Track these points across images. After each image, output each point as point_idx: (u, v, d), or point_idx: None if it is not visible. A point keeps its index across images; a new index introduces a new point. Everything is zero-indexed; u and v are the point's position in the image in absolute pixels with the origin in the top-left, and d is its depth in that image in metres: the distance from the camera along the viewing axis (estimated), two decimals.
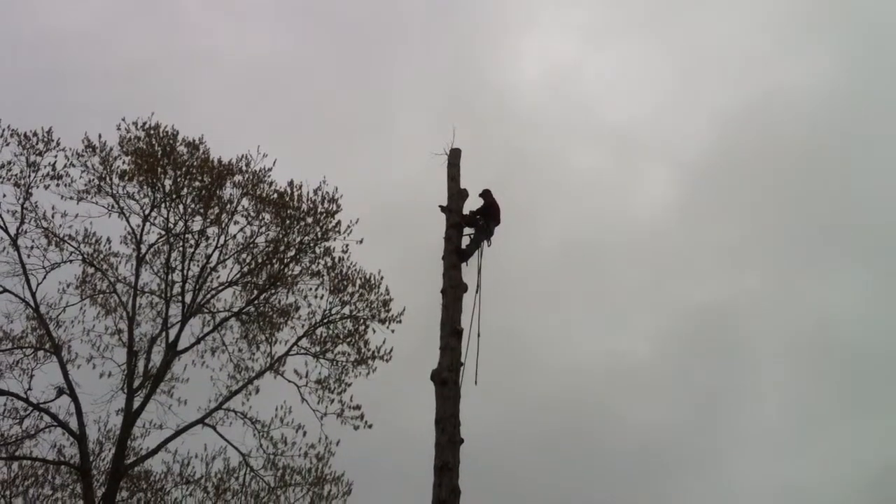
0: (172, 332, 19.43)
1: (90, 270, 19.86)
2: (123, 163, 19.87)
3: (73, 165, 19.60)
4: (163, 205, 19.96)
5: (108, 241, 19.75)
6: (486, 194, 15.50)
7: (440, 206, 15.01)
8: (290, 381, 19.51)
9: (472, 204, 15.38)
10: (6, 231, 19.02)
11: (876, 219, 41.03)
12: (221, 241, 20.04)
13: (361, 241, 20.17)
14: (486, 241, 15.16)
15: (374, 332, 19.80)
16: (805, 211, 43.05)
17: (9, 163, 19.07)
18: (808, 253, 41.81)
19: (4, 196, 18.98)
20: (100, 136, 19.81)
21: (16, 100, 19.12)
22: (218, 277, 20.06)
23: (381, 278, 20.10)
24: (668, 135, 48.82)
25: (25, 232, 19.20)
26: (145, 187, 19.86)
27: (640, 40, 54.29)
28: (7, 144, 19.07)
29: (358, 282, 20.01)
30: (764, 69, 50.14)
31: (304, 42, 49.59)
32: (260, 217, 20.22)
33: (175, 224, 20.04)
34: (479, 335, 14.27)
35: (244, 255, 20.15)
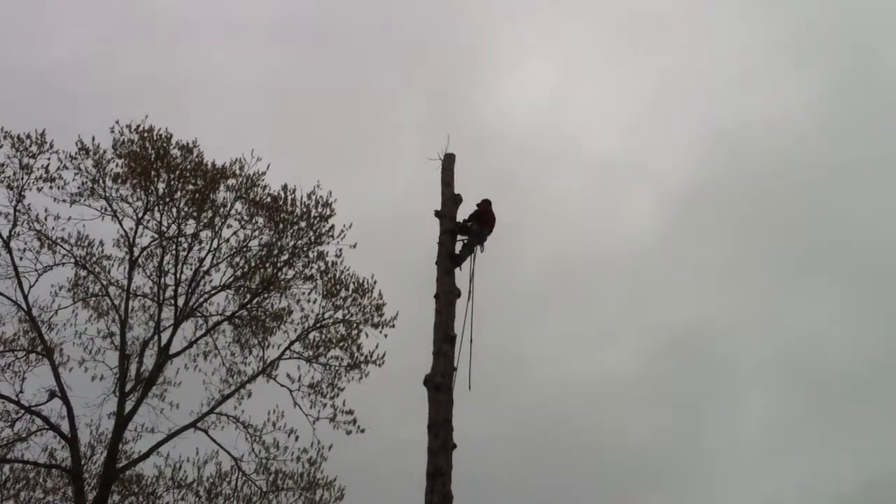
0: (165, 336, 19.43)
1: (83, 273, 19.83)
2: (117, 165, 19.87)
3: (67, 168, 19.61)
4: (156, 208, 19.94)
5: (101, 243, 19.75)
6: (483, 203, 15.52)
7: (435, 211, 15.03)
8: (282, 386, 19.55)
9: (467, 209, 15.40)
10: None
11: (850, 243, 42.76)
12: (215, 244, 20.06)
13: (355, 246, 20.19)
14: (479, 247, 15.17)
15: (367, 336, 19.84)
16: (783, 236, 44.58)
17: (2, 165, 19.09)
18: (785, 275, 43.30)
19: None
20: (93, 138, 19.83)
21: (8, 120, 19.15)
22: (211, 281, 20.08)
23: (375, 283, 20.14)
24: (652, 162, 50.23)
25: (18, 234, 19.18)
26: (138, 190, 19.84)
27: (623, 70, 55.73)
28: (0, 146, 19.08)
29: (351, 286, 20.02)
30: (743, 98, 51.87)
31: (298, 64, 50.51)
32: (253, 221, 20.22)
33: (168, 227, 20.04)
34: (471, 341, 14.28)
35: (237, 259, 20.16)
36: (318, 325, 19.92)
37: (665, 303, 41.14)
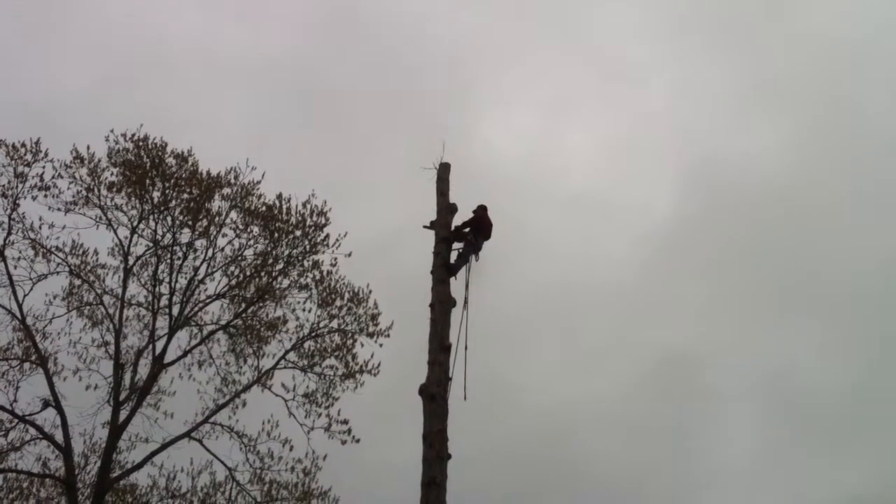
0: (159, 345, 19.36)
1: (77, 282, 19.77)
2: (112, 174, 19.86)
3: (61, 177, 19.60)
4: (151, 217, 19.93)
5: (96, 252, 19.72)
6: (478, 209, 15.52)
7: (424, 226, 15.03)
8: (277, 395, 19.44)
9: (463, 219, 15.39)
10: None
11: (824, 278, 44.50)
12: (209, 253, 20.03)
13: (350, 255, 20.20)
14: (473, 256, 15.16)
15: (362, 346, 19.78)
16: (759, 271, 46.25)
17: None
18: (762, 308, 44.45)
19: None
20: (88, 147, 19.84)
21: None
22: (205, 290, 20.04)
23: (370, 292, 20.09)
24: (632, 199, 51.66)
25: (13, 243, 19.18)
26: (133, 199, 19.82)
27: (604, 112, 58.39)
28: None
29: (346, 295, 19.98)
30: (719, 140, 53.71)
31: (288, 98, 51.72)
32: (248, 230, 20.21)
33: (163, 236, 20.03)
34: (466, 348, 14.28)
35: (232, 268, 20.12)
36: (312, 334, 19.88)
37: (647, 333, 42.25)
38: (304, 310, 20.00)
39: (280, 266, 20.18)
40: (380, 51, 53.46)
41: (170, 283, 19.80)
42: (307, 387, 19.49)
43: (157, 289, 19.83)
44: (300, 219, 20.21)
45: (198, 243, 20.04)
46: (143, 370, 19.19)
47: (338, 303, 19.93)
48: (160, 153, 20.00)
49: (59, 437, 18.12)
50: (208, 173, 20.17)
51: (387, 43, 54.46)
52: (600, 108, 58.56)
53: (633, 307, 43.93)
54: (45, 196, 19.40)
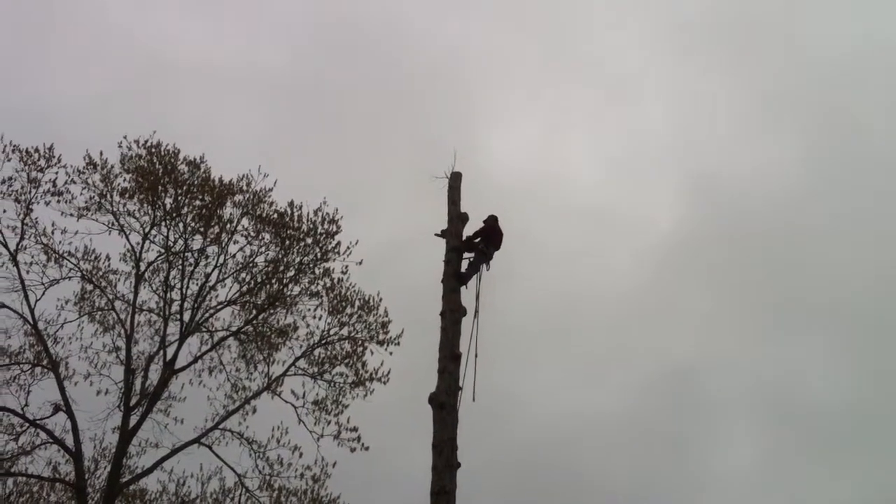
0: (170, 351, 19.41)
1: (89, 287, 19.84)
2: (124, 180, 19.94)
3: (74, 182, 19.68)
4: (163, 223, 19.99)
5: (108, 258, 19.79)
6: (489, 219, 15.54)
7: (436, 234, 15.05)
8: (287, 402, 19.51)
9: (474, 228, 15.40)
10: (6, 246, 19.03)
11: (825, 291, 44.87)
12: (221, 260, 20.08)
13: (361, 263, 20.23)
14: (484, 266, 15.17)
15: (372, 353, 19.85)
16: (762, 284, 46.39)
17: (10, 178, 19.16)
18: (764, 321, 44.70)
19: (5, 211, 19.06)
20: (101, 153, 19.91)
21: None
22: (217, 296, 20.10)
23: (380, 300, 20.15)
24: (635, 212, 52.03)
25: (25, 248, 19.24)
26: (146, 205, 19.90)
27: (605, 123, 58.48)
28: (9, 160, 19.19)
29: (357, 303, 20.03)
30: (722, 153, 54.30)
31: (289, 110, 52.20)
32: (260, 237, 20.27)
33: (175, 242, 20.08)
34: (476, 356, 14.30)
35: (243, 275, 20.18)
36: (323, 341, 19.92)
37: (650, 344, 42.45)
38: (314, 317, 20.10)
39: (291, 273, 20.24)
40: (386, 56, 54.11)
41: (181, 289, 19.88)
42: (317, 394, 19.59)
43: (168, 295, 19.90)
44: (311, 226, 20.28)
45: (209, 250, 20.14)
46: (154, 376, 19.29)
47: (348, 310, 19.99)
48: (173, 160, 20.08)
49: (69, 441, 18.18)
50: (220, 180, 20.25)
51: (389, 49, 55.02)
52: (602, 120, 59.00)
53: (636, 318, 44.23)
54: (58, 201, 19.52)
